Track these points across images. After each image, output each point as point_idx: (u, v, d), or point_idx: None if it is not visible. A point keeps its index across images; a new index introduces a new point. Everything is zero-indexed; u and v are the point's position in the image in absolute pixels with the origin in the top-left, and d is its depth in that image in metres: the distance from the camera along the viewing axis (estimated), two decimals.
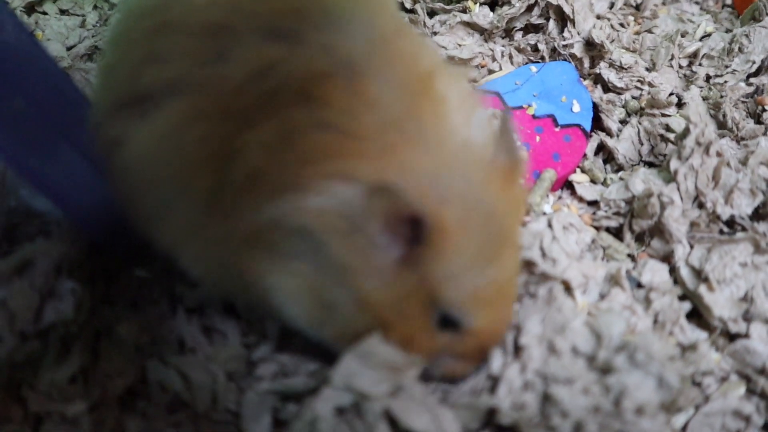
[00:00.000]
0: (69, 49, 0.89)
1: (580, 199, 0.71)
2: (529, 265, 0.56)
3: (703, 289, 0.58)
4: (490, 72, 0.83)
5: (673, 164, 0.65)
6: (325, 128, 0.42)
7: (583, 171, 0.74)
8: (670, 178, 0.65)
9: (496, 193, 0.44)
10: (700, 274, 0.60)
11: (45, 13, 0.96)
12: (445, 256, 0.41)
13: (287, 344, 0.57)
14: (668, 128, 0.73)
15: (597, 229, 0.68)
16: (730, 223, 0.66)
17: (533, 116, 0.76)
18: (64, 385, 0.52)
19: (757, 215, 0.65)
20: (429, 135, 0.43)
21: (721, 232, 0.65)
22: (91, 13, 0.96)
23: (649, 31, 0.88)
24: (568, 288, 0.58)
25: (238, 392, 0.53)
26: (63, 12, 0.97)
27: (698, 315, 0.59)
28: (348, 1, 0.47)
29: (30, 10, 0.95)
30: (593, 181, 0.73)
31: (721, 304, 0.58)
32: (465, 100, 0.48)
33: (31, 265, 0.53)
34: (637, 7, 0.95)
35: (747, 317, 0.58)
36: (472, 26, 0.85)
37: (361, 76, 0.43)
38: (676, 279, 0.61)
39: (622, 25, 0.90)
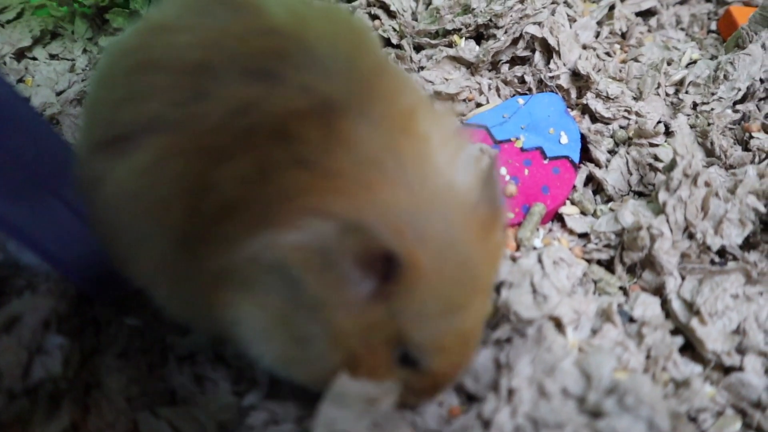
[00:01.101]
0: (58, 94, 0.89)
1: (571, 232, 0.71)
2: (518, 313, 0.56)
3: (695, 323, 0.58)
4: (478, 105, 0.84)
5: (662, 196, 0.65)
6: (301, 165, 0.42)
7: (572, 203, 0.74)
8: (659, 209, 0.65)
9: (473, 241, 0.43)
10: (691, 307, 0.59)
11: (35, 59, 0.97)
12: (414, 295, 0.42)
13: (277, 390, 0.57)
14: (656, 158, 0.74)
15: (588, 261, 0.68)
16: (722, 252, 0.66)
17: (521, 149, 0.76)
18: None
19: (747, 245, 0.65)
20: (409, 174, 0.43)
21: (713, 262, 0.64)
22: (80, 57, 0.97)
23: (635, 60, 0.89)
24: (559, 324, 0.57)
25: None
26: (53, 57, 0.97)
27: (692, 348, 0.59)
28: (329, 41, 0.47)
29: (20, 56, 0.96)
30: (583, 213, 0.73)
31: (713, 337, 0.57)
32: (449, 139, 0.48)
33: (18, 321, 0.53)
34: (623, 36, 0.96)
35: (740, 350, 0.58)
36: (458, 60, 0.86)
37: (339, 115, 0.44)
38: (668, 312, 0.61)
39: (608, 53, 0.91)
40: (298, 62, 0.45)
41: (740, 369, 0.57)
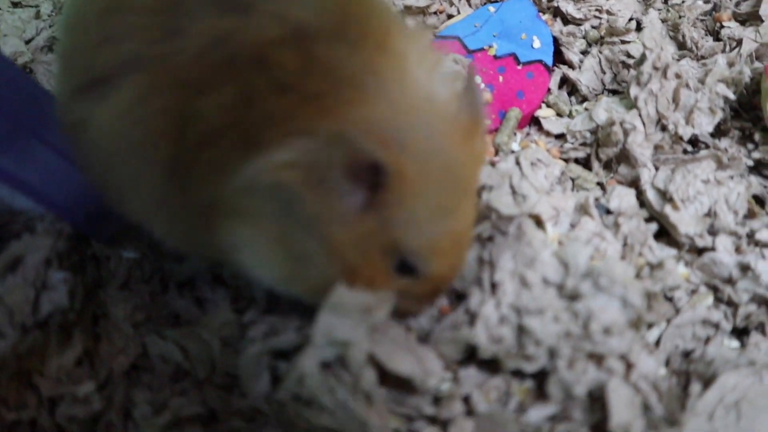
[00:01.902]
0: (27, 42, 0.89)
1: (548, 134, 0.73)
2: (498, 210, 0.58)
3: (668, 209, 0.61)
4: (449, 17, 0.84)
5: (633, 90, 0.66)
6: (282, 90, 0.43)
7: (548, 105, 0.76)
8: (632, 104, 0.67)
9: (457, 146, 0.45)
10: (665, 195, 0.62)
11: None
12: (404, 203, 0.43)
13: (275, 306, 0.60)
14: (629, 55, 0.74)
15: (566, 161, 0.70)
16: (694, 141, 0.68)
17: (495, 57, 0.77)
18: (72, 369, 0.55)
19: (719, 132, 0.67)
20: (389, 90, 0.44)
21: (685, 151, 0.67)
22: (44, 3, 0.95)
23: None
24: (539, 222, 0.60)
25: (234, 356, 0.56)
26: (15, 4, 0.96)
27: (666, 234, 0.62)
28: None
29: None
30: (559, 115, 0.75)
31: (686, 221, 0.60)
32: (425, 55, 0.48)
33: (21, 261, 0.55)
34: None
35: (712, 231, 0.61)
36: None
37: (315, 40, 0.44)
38: (643, 202, 0.63)
39: None
40: None
41: (712, 249, 0.60)
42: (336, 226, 0.44)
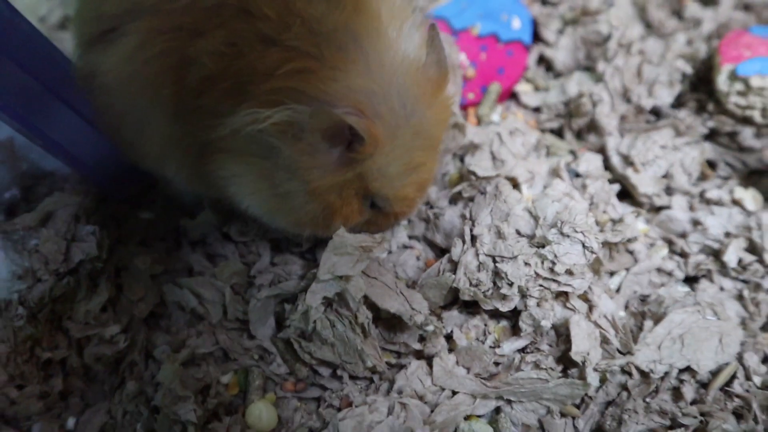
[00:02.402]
0: (41, 20, 0.94)
1: (525, 107, 0.80)
2: (476, 173, 0.65)
3: (630, 172, 0.68)
4: None
5: (600, 66, 0.73)
6: (266, 42, 0.48)
7: (526, 80, 0.82)
8: (599, 78, 0.73)
9: (425, 105, 0.51)
10: (627, 159, 0.69)
11: None
12: (377, 160, 0.50)
13: (279, 259, 0.66)
14: (600, 34, 0.81)
15: (542, 131, 0.77)
16: (657, 112, 0.75)
17: (478, 36, 0.83)
18: (98, 314, 0.62)
19: (678, 103, 0.74)
20: (367, 54, 0.49)
21: (648, 121, 0.74)
22: None
23: None
24: (515, 183, 0.67)
25: (244, 303, 0.63)
26: None
27: (629, 195, 0.69)
28: None
29: None
30: (536, 89, 0.81)
31: (645, 182, 0.67)
32: (397, 11, 0.53)
33: (52, 216, 0.61)
34: None
35: (669, 191, 0.68)
36: None
37: None
38: (608, 166, 0.70)
39: None
40: None
41: (669, 207, 0.67)
42: (315, 173, 0.51)
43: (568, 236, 0.55)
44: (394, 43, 0.51)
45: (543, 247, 0.56)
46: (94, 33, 0.55)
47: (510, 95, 0.81)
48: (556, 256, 0.55)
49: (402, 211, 0.58)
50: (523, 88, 0.81)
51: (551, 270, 0.55)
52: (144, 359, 0.63)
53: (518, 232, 0.59)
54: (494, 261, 0.58)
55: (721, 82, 0.68)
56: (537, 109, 0.79)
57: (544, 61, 0.84)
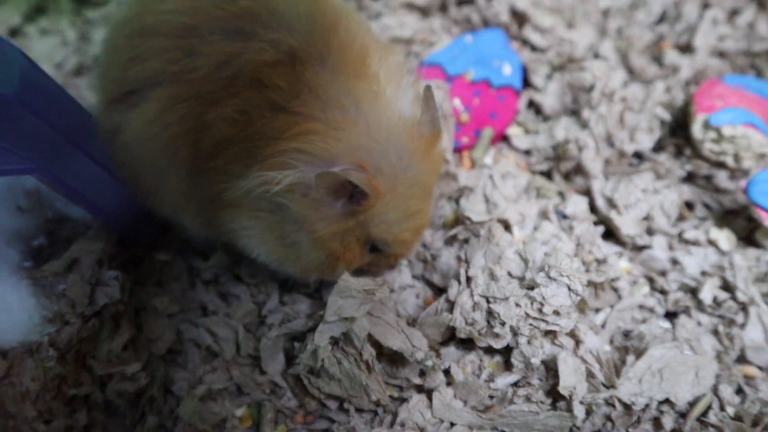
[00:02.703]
0: (57, 67, 0.99)
1: (516, 149, 0.85)
2: (470, 218, 0.70)
3: (613, 214, 0.73)
4: (431, 45, 0.95)
5: (585, 113, 0.79)
6: (277, 109, 0.54)
7: (517, 124, 0.88)
8: (585, 124, 0.79)
9: (420, 160, 0.56)
10: (611, 202, 0.74)
11: (26, 34, 1.06)
12: (378, 210, 0.56)
13: (288, 299, 0.71)
14: (585, 80, 0.86)
15: (532, 173, 0.82)
16: (639, 155, 0.80)
17: (471, 82, 0.89)
18: (120, 352, 0.67)
19: (658, 147, 0.80)
20: (366, 113, 0.55)
21: (630, 165, 0.79)
22: (68, 30, 1.06)
23: None
24: (507, 226, 0.72)
25: (255, 340, 0.68)
26: (43, 32, 1.06)
27: (613, 235, 0.74)
28: (291, 1, 0.57)
29: (13, 34, 1.05)
30: (527, 132, 0.87)
31: (628, 224, 0.72)
32: (394, 73, 0.59)
33: (78, 262, 0.66)
34: None
35: (649, 232, 0.73)
36: (411, 6, 0.97)
37: (303, 65, 0.54)
38: (594, 208, 0.75)
39: None
40: (266, 21, 0.55)
41: (650, 247, 0.72)
42: (319, 224, 0.56)
43: (554, 280, 0.60)
44: (392, 102, 0.57)
45: (532, 289, 0.61)
46: (118, 93, 0.60)
47: (502, 138, 0.87)
48: (544, 298, 0.60)
49: (401, 253, 0.64)
50: (514, 132, 0.86)
51: (540, 311, 0.60)
52: (163, 394, 0.67)
53: (510, 274, 0.64)
54: (488, 301, 0.62)
55: (696, 130, 0.73)
56: (527, 152, 0.85)
57: (533, 105, 0.90)
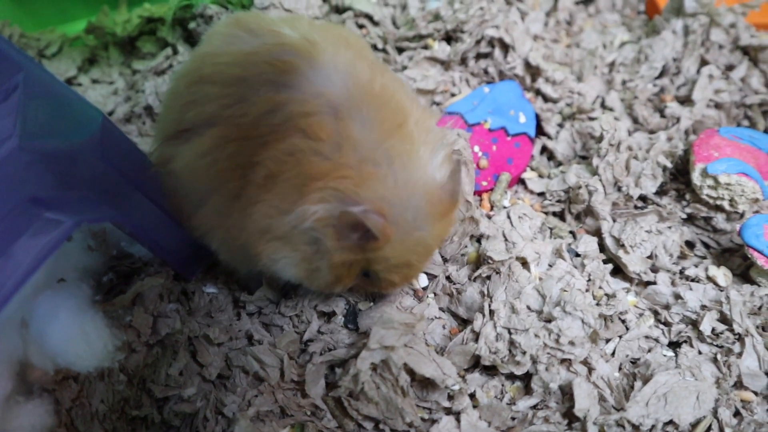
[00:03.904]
0: (110, 114, 1.08)
1: (531, 192, 0.93)
2: (492, 257, 0.78)
3: (621, 253, 0.80)
4: (452, 95, 1.04)
5: (595, 161, 0.87)
6: (319, 155, 0.61)
7: (531, 169, 0.96)
8: (594, 171, 0.87)
9: (431, 222, 0.64)
10: (618, 241, 0.82)
11: (81, 84, 1.15)
12: (383, 252, 0.63)
13: (324, 329, 0.79)
14: (593, 129, 0.95)
15: (545, 214, 0.90)
16: (644, 198, 0.88)
17: (489, 129, 0.97)
18: (177, 377, 0.74)
19: (661, 192, 0.87)
20: (396, 169, 0.61)
21: (636, 207, 0.87)
22: (118, 80, 1.15)
23: (577, 45, 1.09)
24: (525, 263, 0.80)
25: (298, 366, 0.75)
26: (95, 81, 1.16)
27: (621, 272, 0.82)
28: (330, 55, 0.64)
29: (68, 83, 1.14)
30: (540, 176, 0.95)
31: (634, 262, 0.80)
32: (428, 136, 0.66)
33: (141, 296, 0.74)
34: (569, 23, 1.16)
35: (654, 269, 0.81)
36: (433, 59, 1.05)
37: (343, 117, 0.61)
38: (603, 247, 0.83)
39: (555, 40, 1.11)
40: (309, 76, 0.62)
41: (654, 283, 0.80)
42: (337, 255, 0.64)
43: (570, 314, 0.67)
44: (421, 164, 0.64)
45: (550, 321, 0.69)
46: (175, 130, 0.69)
47: (518, 182, 0.95)
48: (560, 329, 0.67)
49: (386, 288, 0.72)
50: (528, 176, 0.94)
51: (557, 341, 0.67)
52: (215, 415, 0.74)
53: (529, 308, 0.72)
54: (509, 333, 0.70)
55: (695, 177, 0.81)
56: (541, 194, 0.93)
57: (546, 151, 0.98)
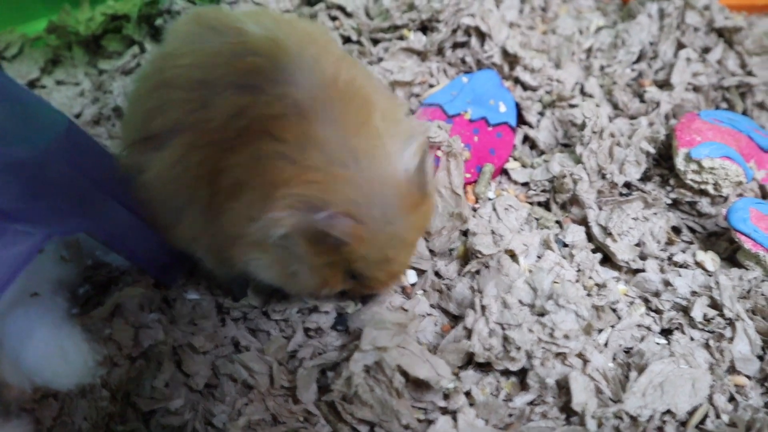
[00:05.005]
0: (77, 117, 1.04)
1: (515, 183, 0.92)
2: (480, 251, 0.76)
3: (609, 241, 0.80)
4: (430, 86, 1.02)
5: (578, 149, 0.86)
6: (285, 159, 0.59)
7: (514, 159, 0.95)
8: (578, 159, 0.86)
9: (403, 215, 0.62)
10: (606, 230, 0.81)
11: (44, 86, 1.11)
12: (359, 252, 0.62)
13: (313, 333, 0.77)
14: (574, 116, 0.94)
15: (531, 204, 0.89)
16: (628, 185, 0.88)
17: (470, 120, 0.96)
18: (162, 389, 0.72)
19: (645, 178, 0.87)
20: (363, 170, 0.60)
21: (621, 194, 0.86)
22: (84, 80, 1.11)
23: (553, 32, 1.08)
24: (513, 256, 0.79)
25: (287, 372, 0.73)
26: (59, 83, 1.11)
27: (609, 260, 0.81)
28: (295, 54, 0.62)
29: (32, 86, 1.09)
30: (523, 166, 0.94)
31: (622, 250, 0.79)
32: (396, 128, 0.64)
33: (121, 307, 0.71)
34: (543, 9, 1.14)
35: (642, 256, 0.80)
36: (410, 50, 1.03)
37: (308, 117, 0.59)
38: (590, 236, 0.82)
39: (531, 27, 1.10)
40: (273, 77, 0.61)
41: (643, 270, 0.79)
42: (315, 258, 0.63)
43: (563, 307, 0.66)
44: (389, 159, 0.62)
45: (543, 315, 0.68)
46: (140, 136, 0.66)
47: (501, 172, 0.93)
48: (554, 323, 0.66)
49: (375, 288, 0.71)
50: (511, 166, 0.93)
51: (551, 335, 0.67)
52: (204, 426, 0.72)
53: (521, 302, 0.71)
54: (503, 328, 0.69)
55: (679, 162, 0.81)
56: (525, 184, 0.92)
57: (528, 140, 0.97)
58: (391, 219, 0.62)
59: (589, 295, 0.75)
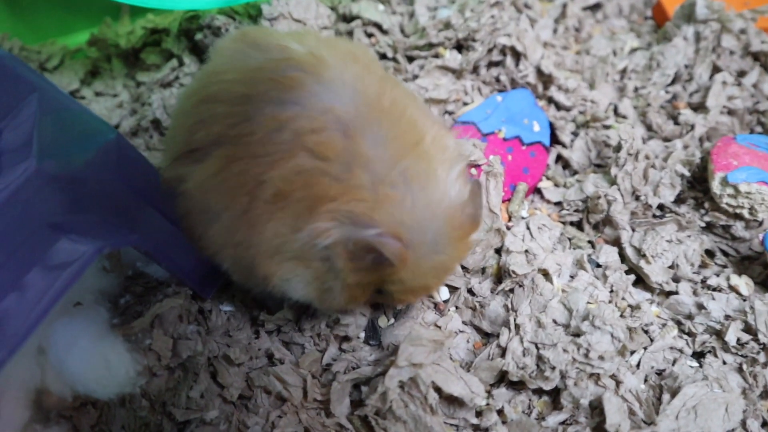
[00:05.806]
0: (115, 128, 1.07)
1: (548, 202, 0.92)
2: (515, 270, 0.77)
3: (643, 263, 0.80)
4: (465, 104, 1.03)
5: (613, 170, 0.86)
6: (328, 176, 0.59)
7: (547, 178, 0.95)
8: (612, 180, 0.86)
9: (451, 246, 0.63)
10: (640, 252, 0.81)
11: (83, 97, 1.13)
12: (398, 274, 0.62)
13: (346, 347, 0.78)
14: (608, 137, 0.94)
15: (563, 224, 0.90)
16: (662, 207, 0.88)
17: (504, 139, 0.96)
18: (198, 399, 0.73)
19: (679, 200, 0.87)
20: (413, 190, 0.60)
21: (654, 216, 0.86)
22: (123, 92, 1.13)
23: (587, 52, 1.09)
24: (546, 275, 0.79)
25: (320, 386, 0.74)
26: (98, 94, 1.14)
27: (642, 282, 0.81)
28: (338, 71, 0.63)
29: (71, 96, 1.12)
30: (556, 185, 0.94)
31: (656, 272, 0.79)
32: (447, 156, 0.64)
33: (160, 318, 0.73)
34: (577, 30, 1.15)
35: (675, 279, 0.80)
36: (445, 68, 1.05)
37: (353, 134, 0.59)
38: (623, 257, 0.82)
39: (565, 47, 1.11)
40: (315, 92, 0.61)
41: (676, 293, 0.79)
42: (352, 274, 0.62)
43: (599, 328, 0.67)
44: (441, 184, 0.62)
45: (578, 336, 0.68)
46: (184, 149, 0.67)
47: (534, 191, 0.94)
48: (590, 344, 0.66)
49: (399, 303, 0.73)
50: (545, 185, 0.94)
51: (586, 356, 0.67)
52: None
53: (555, 322, 0.71)
54: (537, 347, 0.69)
55: (715, 186, 0.81)
56: (558, 204, 0.92)
57: (561, 160, 0.97)
58: (440, 248, 0.62)
59: (622, 316, 0.75)
